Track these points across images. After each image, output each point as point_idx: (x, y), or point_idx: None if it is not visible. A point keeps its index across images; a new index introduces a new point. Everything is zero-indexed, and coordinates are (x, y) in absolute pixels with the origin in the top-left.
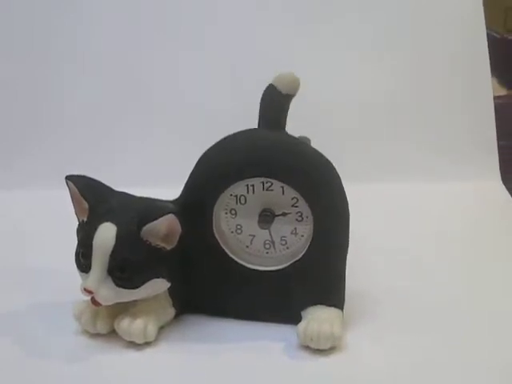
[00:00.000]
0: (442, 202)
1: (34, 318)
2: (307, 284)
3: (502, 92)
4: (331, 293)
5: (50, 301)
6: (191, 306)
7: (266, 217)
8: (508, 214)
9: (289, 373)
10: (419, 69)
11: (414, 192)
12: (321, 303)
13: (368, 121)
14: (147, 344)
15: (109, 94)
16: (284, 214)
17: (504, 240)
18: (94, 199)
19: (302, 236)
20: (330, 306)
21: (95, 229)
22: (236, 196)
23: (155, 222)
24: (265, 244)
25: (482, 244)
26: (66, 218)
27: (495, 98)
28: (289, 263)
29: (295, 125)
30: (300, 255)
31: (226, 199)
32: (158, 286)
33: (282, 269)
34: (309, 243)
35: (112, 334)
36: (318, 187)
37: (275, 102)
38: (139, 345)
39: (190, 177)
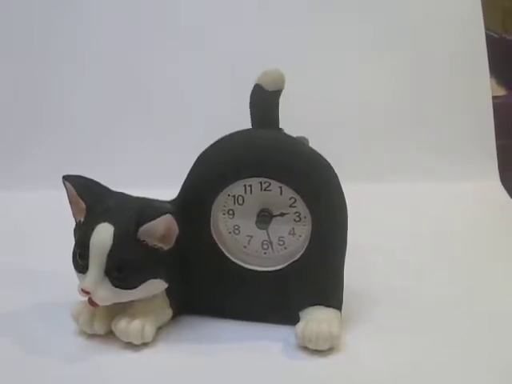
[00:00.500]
0: (441, 201)
1: (32, 318)
2: (305, 284)
3: (501, 92)
4: (329, 293)
5: (48, 301)
6: (189, 307)
7: (264, 217)
8: (507, 213)
9: (287, 373)
10: (418, 69)
11: (412, 192)
12: (319, 304)
13: (367, 121)
14: (145, 345)
15: (109, 94)
16: (282, 215)
17: (503, 240)
18: (91, 199)
19: (300, 236)
20: (328, 306)
21: (92, 229)
22: (234, 196)
23: (153, 222)
24: (263, 244)
25: (481, 244)
26: (65, 218)
27: (494, 97)
28: (287, 264)
29: (295, 125)
30: (298, 255)
31: (223, 199)
32: (156, 286)
33: (280, 269)
34: (307, 243)
35: (109, 335)
36: (316, 187)
37: (264, 101)
38: (137, 345)
39: (187, 177)
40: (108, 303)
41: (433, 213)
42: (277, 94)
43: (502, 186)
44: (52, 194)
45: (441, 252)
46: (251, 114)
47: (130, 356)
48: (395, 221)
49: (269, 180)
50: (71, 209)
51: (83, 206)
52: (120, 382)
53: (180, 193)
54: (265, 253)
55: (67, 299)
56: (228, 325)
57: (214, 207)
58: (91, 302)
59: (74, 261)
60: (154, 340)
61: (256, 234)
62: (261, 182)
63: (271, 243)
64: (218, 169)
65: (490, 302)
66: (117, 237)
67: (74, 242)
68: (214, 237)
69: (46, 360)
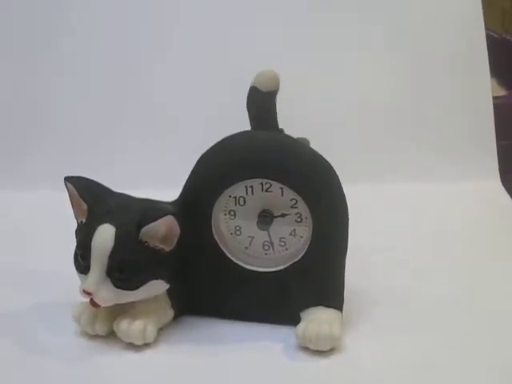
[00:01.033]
0: (441, 201)
1: (33, 318)
2: (306, 285)
3: (501, 92)
4: (330, 294)
5: (48, 302)
6: (190, 308)
7: (265, 218)
8: (507, 214)
9: (288, 374)
10: (419, 69)
11: (413, 192)
12: (320, 304)
13: (367, 121)
14: (146, 345)
15: (109, 94)
16: (283, 216)
17: (503, 240)
18: (92, 200)
19: (301, 237)
20: (329, 307)
21: (94, 230)
22: (235, 197)
23: (154, 223)
24: (264, 245)
25: (481, 244)
26: (65, 218)
27: (494, 98)
28: (288, 264)
29: (294, 125)
30: (299, 256)
31: (224, 200)
32: (157, 287)
33: (281, 270)
34: (308, 244)
35: (111, 336)
36: (317, 188)
37: (260, 102)
38: (138, 346)
39: (188, 178)
40: (109, 304)
41: (433, 213)
42: (272, 94)
43: (503, 187)
44: (52, 194)
45: (441, 252)
46: (249, 115)
47: (131, 357)
48: (395, 221)
49: (270, 181)
50: (73, 210)
51: (85, 206)
52: (121, 383)
53: (181, 194)
54: (266, 253)
55: (68, 300)
56: (229, 325)
57: (215, 208)
58: (93, 302)
59: (75, 262)
60: (156, 341)
61: (257, 234)
62: (262, 183)
63: (272, 244)
64: (219, 170)
65: (490, 302)
66: (118, 238)
67: (75, 243)
68: (216, 238)
69: (47, 361)
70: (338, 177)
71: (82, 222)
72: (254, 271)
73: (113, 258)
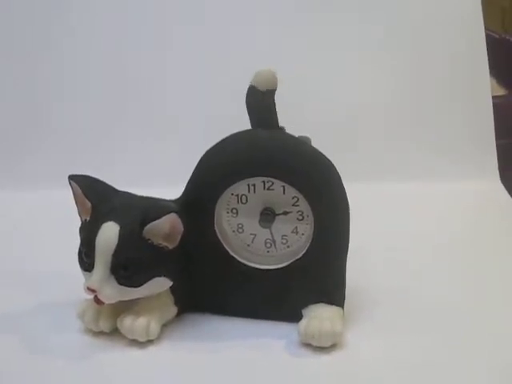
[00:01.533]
0: (441, 201)
1: (37, 317)
2: (308, 282)
3: (501, 92)
4: (332, 291)
5: (52, 300)
6: (193, 304)
7: (267, 216)
8: (507, 212)
9: (290, 370)
10: (418, 69)
11: (412, 191)
12: (321, 301)
13: (367, 121)
14: (150, 342)
15: (109, 94)
16: (285, 213)
17: (503, 239)
18: (96, 199)
19: (303, 235)
20: (330, 303)
21: (98, 228)
22: (237, 195)
23: (157, 221)
24: (266, 243)
25: (481, 243)
26: (66, 218)
27: (494, 97)
28: (290, 262)
29: (295, 124)
30: (301, 254)
31: (227, 198)
32: (160, 284)
33: (283, 267)
34: (309, 242)
35: (115, 332)
36: (319, 186)
37: (259, 101)
38: (142, 343)
39: (191, 176)
40: (113, 301)
41: (433, 212)
42: (271, 93)
43: (503, 186)
44: (52, 194)
45: (441, 252)
46: (249, 115)
47: (135, 353)
48: (395, 220)
49: (272, 179)
50: (77, 208)
51: (89, 205)
52: (125, 379)
53: (184, 192)
54: (268, 251)
55: (71, 298)
56: (231, 322)
57: (217, 206)
58: (97, 299)
59: (79, 259)
60: (159, 337)
61: (259, 232)
62: (264, 181)
63: (274, 242)
64: (221, 168)
65: (490, 302)
66: (122, 236)
67: (79, 241)
68: (218, 235)
69: (51, 358)
70: (339, 175)
71: (86, 220)
72: (256, 268)
73: (117, 256)
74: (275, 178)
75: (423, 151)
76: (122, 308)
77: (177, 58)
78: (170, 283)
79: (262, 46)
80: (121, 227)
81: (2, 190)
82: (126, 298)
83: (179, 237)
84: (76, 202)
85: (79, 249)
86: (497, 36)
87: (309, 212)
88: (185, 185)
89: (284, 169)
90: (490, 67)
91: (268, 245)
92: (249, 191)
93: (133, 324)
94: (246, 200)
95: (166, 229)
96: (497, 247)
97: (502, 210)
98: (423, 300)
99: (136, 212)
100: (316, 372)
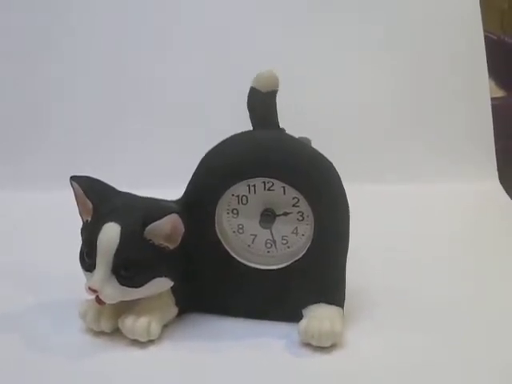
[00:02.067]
0: (440, 202)
1: (38, 317)
2: (308, 282)
3: (500, 93)
4: (332, 291)
5: (53, 300)
6: (194, 305)
7: (268, 216)
8: (506, 214)
9: (290, 370)
10: (418, 70)
11: (411, 192)
12: (321, 301)
13: (367, 121)
14: (151, 342)
15: (109, 94)
16: (285, 214)
17: (502, 240)
18: (98, 199)
19: (303, 235)
20: (330, 303)
21: (99, 228)
22: (238, 196)
23: (159, 221)
24: (266, 243)
25: (480, 244)
26: (67, 217)
27: (492, 99)
28: (290, 262)
29: (295, 125)
30: (301, 254)
31: (227, 199)
32: (162, 284)
33: (284, 268)
34: (310, 242)
35: (116, 332)
36: (319, 187)
37: (260, 103)
38: (143, 343)
39: (192, 177)
40: (115, 301)
41: (432, 212)
42: (272, 94)
43: (501, 187)
44: (52, 194)
45: (440, 252)
46: (250, 116)
47: (136, 353)
48: (395, 221)
49: (272, 180)
50: (78, 208)
51: (90, 205)
52: (126, 379)
53: (185, 193)
54: (268, 251)
55: (71, 298)
56: (232, 322)
57: (218, 207)
58: (98, 300)
59: (81, 260)
60: (160, 337)
61: (260, 233)
62: (264, 182)
63: (275, 242)
64: (222, 169)
65: (490, 302)
66: (123, 236)
67: (80, 242)
68: (219, 236)
69: (53, 358)
70: (339, 175)
71: (87, 220)
72: (256, 269)
73: (118, 256)
74: (275, 178)
75: (422, 152)
76: (123, 308)
77: (177, 59)
78: (171, 283)
79: (262, 47)
80: (122, 227)
81: (2, 190)
82: (127, 299)
83: (180, 237)
84: (77, 203)
85: (81, 249)
86: (495, 38)
87: (309, 212)
88: (185, 185)
89: (284, 169)
90: (488, 69)
91: (268, 245)
92: (249, 192)
93: (134, 324)
94: (247, 201)
95: (167, 229)
96: (496, 247)
97: (500, 211)
98: (423, 300)
99: (137, 212)
100: (316, 372)
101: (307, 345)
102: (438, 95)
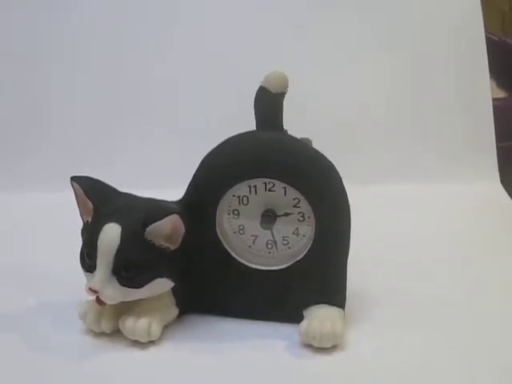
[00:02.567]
0: (441, 203)
1: (39, 317)
2: (309, 283)
3: (501, 94)
4: (333, 292)
5: (53, 301)
6: (195, 306)
7: (268, 217)
8: (507, 215)
9: (291, 371)
10: (419, 71)
11: (412, 193)
12: (322, 302)
13: (367, 122)
14: (151, 343)
15: (109, 94)
16: (286, 215)
17: (503, 240)
18: (98, 200)
19: (304, 236)
20: (331, 304)
21: (100, 229)
22: (238, 197)
23: (159, 222)
24: (267, 244)
25: (481, 244)
26: (67, 218)
27: (494, 100)
28: (291, 263)
29: (295, 125)
30: (302, 255)
31: (228, 200)
32: (162, 285)
33: (284, 268)
34: (310, 243)
35: (116, 333)
36: (320, 188)
37: (268, 103)
38: (143, 344)
39: (193, 178)
40: (115, 302)
41: (433, 214)
42: (281, 96)
43: (503, 188)
44: (52, 195)
45: (441, 253)
46: (255, 115)
47: (136, 354)
48: (396, 221)
49: (273, 180)
50: (79, 209)
51: (91, 206)
52: (126, 380)
53: (186, 193)
54: (269, 252)
55: (71, 299)
56: (233, 323)
57: (219, 207)
58: (99, 300)
59: (81, 260)
60: (160, 338)
61: (260, 233)
62: (265, 183)
63: (275, 243)
64: (222, 169)
65: (490, 303)
66: (124, 237)
67: (80, 242)
68: (219, 236)
69: (53, 359)
70: (340, 176)
71: (88, 221)
72: (257, 270)
73: (118, 257)
74: (276, 179)
75: (423, 153)
76: (124, 309)
77: (177, 58)
78: (172, 284)
79: (262, 47)
80: (123, 228)
81: (2, 191)
82: (128, 299)
83: (181, 238)
84: (78, 203)
85: (81, 250)
86: (496, 39)
87: (310, 213)
88: (185, 186)
89: (285, 170)
90: (489, 69)
91: (269, 246)
92: (250, 192)
93: (134, 325)
94: (248, 201)
95: (167, 230)
96: (497, 248)
97: (502, 212)
98: (423, 301)
99: (138, 213)
100: (317, 373)
101: (308, 346)
102: (439, 96)
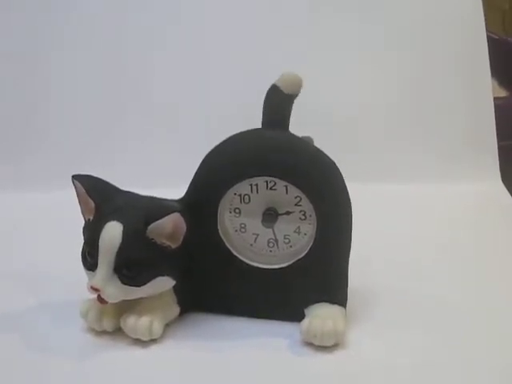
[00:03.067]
0: (442, 201)
1: (40, 315)
2: (310, 282)
3: (502, 93)
4: (334, 290)
5: (54, 300)
6: (196, 304)
7: (270, 216)
8: (508, 214)
9: (293, 369)
10: (420, 70)
11: (413, 192)
12: (324, 301)
13: (367, 121)
14: (153, 341)
15: (109, 94)
16: (287, 213)
17: (504, 240)
18: (100, 198)
19: (305, 234)
20: (333, 303)
21: (101, 227)
22: (240, 195)
23: (161, 220)
24: (268, 242)
25: (482, 244)
26: (68, 217)
27: (495, 99)
28: (292, 261)
29: (295, 125)
30: (303, 253)
31: (230, 198)
32: (164, 283)
33: (286, 267)
34: (312, 241)
35: (118, 332)
36: (321, 186)
37: (278, 102)
38: (145, 342)
39: (194, 176)
40: (117, 300)
41: (434, 213)
42: (291, 98)
43: (504, 187)
44: (52, 194)
45: (442, 252)
46: (263, 112)
47: (138, 352)
48: (396, 221)
49: (274, 179)
50: (80, 208)
51: (92, 204)
52: (128, 378)
53: (187, 191)
54: (271, 251)
55: (72, 297)
56: (234, 322)
57: (220, 206)
58: (100, 299)
59: (83, 259)
60: (162, 336)
61: (262, 232)
62: (267, 181)
63: (277, 241)
64: (224, 168)
65: (491, 303)
66: (125, 235)
67: (81, 241)
68: (221, 235)
69: (54, 357)
70: (341, 175)
71: (89, 219)
72: (258, 268)
73: (120, 255)
74: (278, 177)
75: (424, 152)
76: (125, 307)
77: (177, 58)
78: (173, 282)
79: (262, 47)
80: (124, 226)
81: (2, 191)
82: (130, 298)
83: (182, 236)
84: (79, 202)
85: (82, 248)
86: (497, 38)
87: (311, 212)
88: (186, 185)
89: (287, 168)
90: (491, 68)
91: (271, 244)
92: (251, 191)
93: (136, 323)
94: (249, 200)
95: (169, 228)
96: (498, 248)
97: (503, 211)
98: (424, 300)
99: (139, 211)
100: (318, 371)
101: (309, 344)
102: (440, 95)
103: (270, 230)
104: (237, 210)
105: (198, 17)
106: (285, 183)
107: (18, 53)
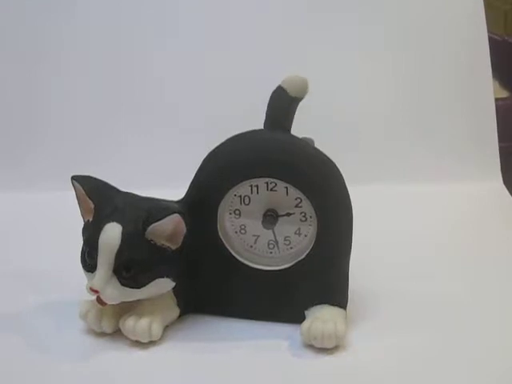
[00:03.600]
0: (443, 202)
1: (39, 316)
2: (311, 283)
3: (503, 94)
4: (335, 292)
5: (53, 300)
6: (196, 306)
7: (270, 217)
8: (509, 215)
9: (293, 371)
10: (420, 70)
11: (414, 192)
12: (324, 302)
13: (368, 122)
14: (152, 343)
15: (108, 94)
16: (288, 215)
17: (505, 241)
18: (99, 199)
19: (306, 236)
20: (333, 305)
21: (101, 229)
22: (240, 196)
23: (160, 221)
24: (269, 244)
25: (482, 245)
26: (67, 217)
27: (496, 100)
28: (292, 263)
29: (295, 125)
30: (303, 255)
31: (230, 199)
32: (163, 285)
33: (286, 268)
34: (312, 243)
35: (117, 333)
36: (322, 188)
37: (283, 104)
38: (144, 344)
39: (194, 177)
40: (116, 302)
41: (435, 213)
42: (296, 100)
43: (505, 187)
44: (52, 194)
45: (443, 253)
46: (267, 113)
47: (137, 354)
48: (397, 221)
49: (275, 180)
50: (79, 208)
51: (91, 205)
52: (128, 380)
53: (187, 193)
54: (271, 252)
55: (72, 299)
56: (234, 323)
57: (220, 207)
58: (99, 300)
59: (82, 260)
60: (162, 338)
61: (262, 233)
62: (267, 183)
63: (277, 243)
64: (224, 169)
65: (491, 303)
66: (125, 236)
67: (81, 242)
68: (221, 236)
69: (54, 358)
70: (342, 176)
71: (88, 220)
72: (259, 270)
73: (119, 257)
74: (278, 179)
75: (425, 153)
76: (125, 309)
77: (177, 58)
78: (173, 284)
79: (262, 47)
80: (123, 228)
81: (2, 190)
82: (129, 299)
83: (182, 238)
84: (79, 203)
85: (82, 249)
86: (499, 38)
87: (312, 213)
88: (186, 186)
89: (287, 170)
90: (492, 69)
91: (271, 246)
92: (252, 192)
93: (135, 325)
94: (249, 201)
95: (168, 230)
96: (498, 249)
97: (504, 212)
98: (425, 301)
99: (139, 213)
100: (319, 373)
101: (310, 346)
102: (441, 95)
103: (271, 231)
104: (237, 212)
105: (198, 16)
106: (285, 184)
107: (18, 53)
